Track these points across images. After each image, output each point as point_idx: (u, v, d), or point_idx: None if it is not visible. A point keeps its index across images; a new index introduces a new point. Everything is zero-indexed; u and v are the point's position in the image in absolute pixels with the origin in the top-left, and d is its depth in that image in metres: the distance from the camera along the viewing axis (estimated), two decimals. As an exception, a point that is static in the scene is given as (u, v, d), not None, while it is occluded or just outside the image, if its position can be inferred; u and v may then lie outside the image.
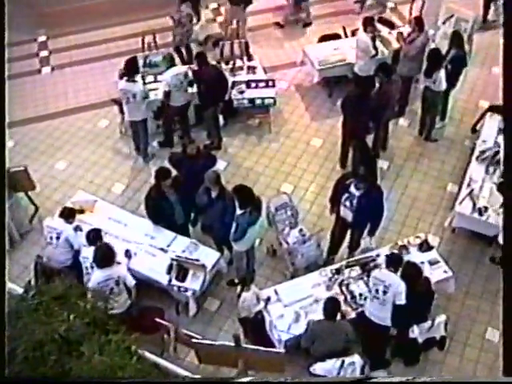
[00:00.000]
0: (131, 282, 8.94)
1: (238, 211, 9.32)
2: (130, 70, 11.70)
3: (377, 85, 11.84)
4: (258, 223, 9.52)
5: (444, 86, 12.04)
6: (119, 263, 9.11)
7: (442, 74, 11.91)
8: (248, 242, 9.76)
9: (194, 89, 12.12)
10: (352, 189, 9.58)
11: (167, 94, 11.70)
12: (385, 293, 8.68)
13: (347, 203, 9.69)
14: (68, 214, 9.70)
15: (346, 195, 9.66)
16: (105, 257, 8.77)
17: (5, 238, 6.18)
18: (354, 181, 9.56)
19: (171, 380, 8.10)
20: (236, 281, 9.95)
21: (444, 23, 13.73)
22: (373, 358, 9.04)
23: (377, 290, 8.75)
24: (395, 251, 9.75)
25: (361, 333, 9.10)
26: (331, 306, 8.60)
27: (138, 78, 11.97)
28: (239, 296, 9.10)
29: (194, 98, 12.19)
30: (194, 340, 8.72)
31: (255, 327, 9.28)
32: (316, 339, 8.55)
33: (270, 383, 7.95)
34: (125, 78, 11.60)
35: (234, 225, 9.41)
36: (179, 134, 12.46)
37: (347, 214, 9.81)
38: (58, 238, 9.54)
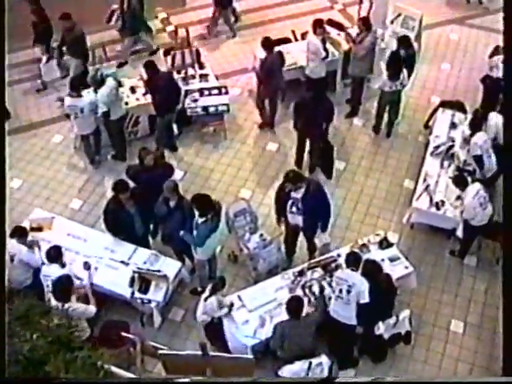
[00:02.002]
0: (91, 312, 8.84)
1: (200, 220, 9.31)
2: (74, 86, 11.61)
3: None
4: (218, 230, 9.54)
5: (407, 81, 12.37)
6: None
7: (405, 71, 12.19)
8: (210, 250, 9.78)
9: (147, 99, 12.24)
10: (293, 194, 9.61)
11: (107, 113, 11.71)
12: (348, 292, 8.74)
13: (294, 209, 9.73)
14: (20, 234, 9.55)
15: (291, 202, 9.70)
16: (63, 291, 8.66)
17: (5, 239, 6.12)
18: (292, 185, 9.55)
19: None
20: (199, 289, 9.94)
21: (392, 22, 13.93)
22: (341, 358, 9.13)
23: (340, 290, 8.81)
24: (356, 250, 9.82)
25: (327, 333, 9.17)
26: (295, 304, 8.64)
27: (90, 91, 11.87)
28: (206, 299, 9.03)
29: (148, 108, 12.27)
30: (160, 351, 8.68)
31: (216, 332, 9.31)
32: (285, 339, 8.56)
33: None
34: (68, 94, 11.59)
35: (195, 233, 9.39)
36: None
37: (297, 219, 9.85)
38: (12, 260, 9.35)
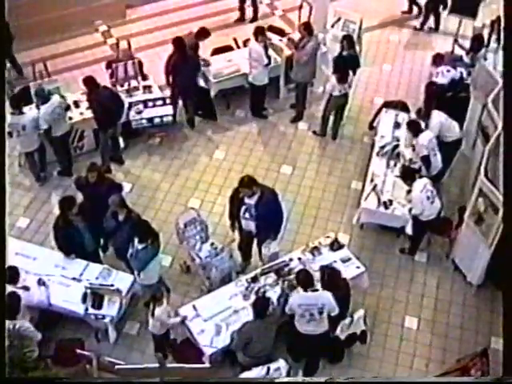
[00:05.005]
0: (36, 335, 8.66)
1: (139, 246, 9.24)
2: (15, 103, 11.39)
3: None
4: (159, 254, 9.59)
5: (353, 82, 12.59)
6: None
7: (351, 73, 12.39)
8: (153, 275, 9.67)
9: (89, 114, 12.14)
10: (246, 200, 9.64)
11: (49, 130, 11.56)
12: (321, 313, 8.72)
13: (247, 215, 9.74)
14: None
15: (244, 208, 9.71)
16: (10, 308, 8.48)
17: (5, 239, 5.98)
18: (246, 190, 9.56)
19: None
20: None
21: (333, 26, 14.03)
22: (309, 364, 9.33)
23: (311, 314, 8.72)
24: (301, 267, 9.73)
25: (287, 337, 9.30)
26: (261, 304, 8.68)
27: (32, 107, 11.72)
28: (152, 315, 8.98)
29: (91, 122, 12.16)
30: (117, 366, 8.60)
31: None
32: (252, 339, 8.56)
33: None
34: (10, 112, 11.33)
35: (135, 259, 9.35)
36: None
37: (250, 225, 9.87)
38: None
